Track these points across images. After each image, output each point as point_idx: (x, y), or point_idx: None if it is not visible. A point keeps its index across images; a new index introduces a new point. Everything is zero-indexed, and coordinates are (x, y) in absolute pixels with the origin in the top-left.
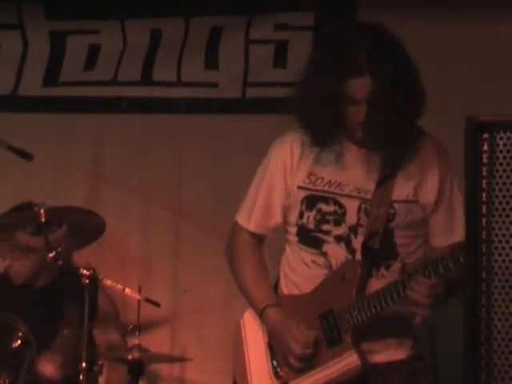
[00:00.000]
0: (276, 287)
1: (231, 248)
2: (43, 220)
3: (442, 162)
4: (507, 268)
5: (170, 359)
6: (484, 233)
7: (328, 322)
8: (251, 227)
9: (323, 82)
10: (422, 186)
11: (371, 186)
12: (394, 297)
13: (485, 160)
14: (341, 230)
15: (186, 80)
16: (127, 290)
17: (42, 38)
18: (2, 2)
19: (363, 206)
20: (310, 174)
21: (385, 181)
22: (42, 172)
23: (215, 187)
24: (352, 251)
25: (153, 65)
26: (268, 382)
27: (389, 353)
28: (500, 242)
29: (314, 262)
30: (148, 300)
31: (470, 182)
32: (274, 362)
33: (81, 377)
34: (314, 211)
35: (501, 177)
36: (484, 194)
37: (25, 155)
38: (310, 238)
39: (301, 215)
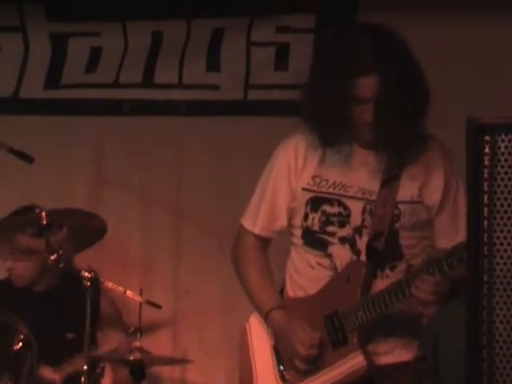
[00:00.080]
0: (282, 291)
1: (237, 251)
2: (44, 222)
3: (446, 163)
4: (509, 270)
5: (171, 361)
6: (485, 235)
7: (333, 324)
8: (257, 230)
9: (330, 82)
10: (427, 187)
11: (376, 187)
12: (399, 295)
13: (486, 162)
14: (345, 232)
15: (187, 82)
16: (128, 293)
17: (44, 41)
18: (4, 4)
19: (368, 207)
20: (314, 176)
21: (389, 181)
22: (43, 174)
23: (216, 189)
24: (357, 252)
25: (154, 67)
26: None
27: (395, 354)
28: (502, 244)
29: (319, 263)
30: (149, 302)
31: (472, 184)
32: (281, 367)
33: (82, 379)
34: (319, 213)
35: (502, 179)
36: (485, 197)
37: (26, 157)
38: (314, 240)
39: (305, 217)
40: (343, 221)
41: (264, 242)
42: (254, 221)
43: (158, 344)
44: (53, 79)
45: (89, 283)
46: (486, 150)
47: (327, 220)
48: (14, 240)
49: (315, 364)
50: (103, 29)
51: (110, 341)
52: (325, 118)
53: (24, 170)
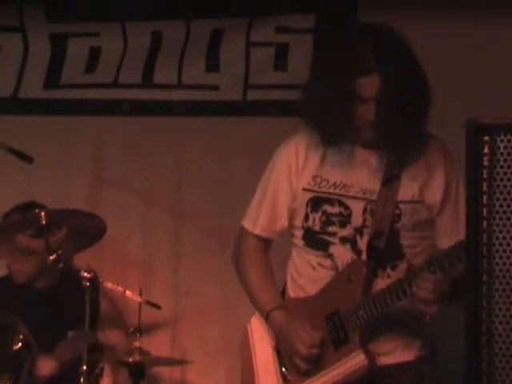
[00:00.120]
0: (283, 292)
1: (238, 252)
2: (44, 222)
3: (447, 163)
4: (508, 271)
5: (170, 362)
6: (485, 235)
7: (334, 323)
8: (257, 231)
9: (331, 82)
10: (428, 187)
11: (377, 187)
12: (400, 294)
13: (485, 163)
14: (346, 232)
15: (186, 82)
16: (128, 293)
17: (43, 41)
18: (3, 4)
19: (369, 207)
20: (315, 176)
21: (390, 181)
22: (42, 174)
23: (216, 189)
24: (358, 252)
25: (154, 67)
26: None
27: (396, 354)
28: (501, 244)
29: (320, 264)
30: (149, 302)
31: (471, 184)
32: (283, 369)
33: (81, 380)
34: (320, 213)
35: (501, 179)
36: (485, 197)
37: (25, 158)
38: (315, 241)
39: (306, 218)
40: (344, 221)
41: (265, 243)
42: (255, 222)
43: (157, 344)
44: (52, 79)
45: (88, 283)
46: (486, 151)
47: (328, 220)
48: (14, 240)
49: (316, 364)
50: (102, 29)
51: (109, 340)
52: (326, 117)
53: (23, 170)
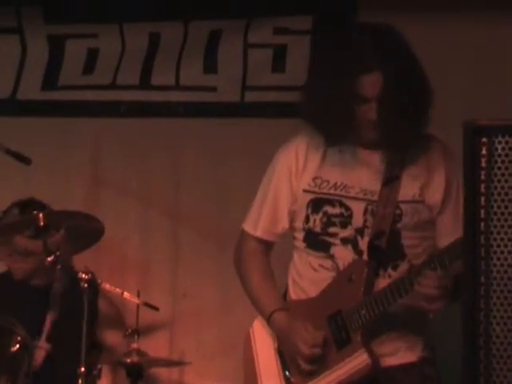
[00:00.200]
0: (285, 296)
1: (239, 255)
2: (42, 224)
3: (447, 163)
4: (506, 272)
5: (168, 363)
6: (482, 237)
7: (336, 323)
8: (258, 233)
9: (332, 82)
10: (429, 187)
11: (377, 188)
12: (401, 293)
13: (483, 164)
14: (347, 232)
15: (184, 84)
16: (126, 294)
17: (41, 42)
18: (1, 6)
19: (370, 207)
20: (315, 178)
21: (390, 181)
22: (40, 176)
23: (213, 191)
24: (359, 253)
25: (151, 69)
26: None
27: (399, 355)
28: (499, 246)
29: (321, 265)
30: (147, 304)
31: (469, 186)
32: (287, 372)
33: (79, 381)
34: (320, 214)
35: (499, 181)
36: (482, 199)
37: (23, 159)
38: (317, 242)
39: (307, 219)
40: (345, 222)
41: (266, 245)
42: (256, 224)
43: (155, 346)
44: (50, 81)
45: (86, 285)
46: (483, 152)
47: (329, 221)
48: (12, 241)
49: (319, 364)
50: (100, 30)
51: (108, 341)
52: (327, 117)
53: (21, 171)
